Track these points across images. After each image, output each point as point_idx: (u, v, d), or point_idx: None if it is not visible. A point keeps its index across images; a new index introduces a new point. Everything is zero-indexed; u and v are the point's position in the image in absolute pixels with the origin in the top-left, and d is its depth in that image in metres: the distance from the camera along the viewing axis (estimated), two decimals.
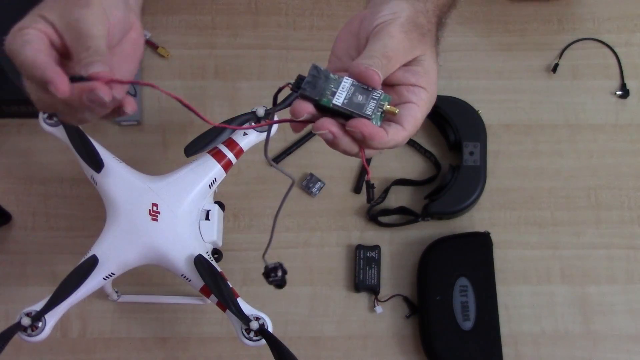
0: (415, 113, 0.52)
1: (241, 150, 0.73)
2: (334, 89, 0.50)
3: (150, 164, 0.87)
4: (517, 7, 0.94)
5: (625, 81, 0.91)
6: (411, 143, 0.88)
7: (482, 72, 0.91)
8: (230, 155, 0.72)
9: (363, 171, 0.86)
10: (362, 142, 0.50)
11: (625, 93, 0.90)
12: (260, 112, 0.71)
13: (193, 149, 0.70)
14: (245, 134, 0.73)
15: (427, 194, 0.85)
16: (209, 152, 0.72)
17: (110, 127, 0.88)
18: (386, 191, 0.85)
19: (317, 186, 0.86)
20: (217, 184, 0.72)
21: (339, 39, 0.57)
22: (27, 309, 0.64)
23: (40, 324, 0.63)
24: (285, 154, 0.87)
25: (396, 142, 0.51)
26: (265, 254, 0.62)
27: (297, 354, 0.63)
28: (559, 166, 0.88)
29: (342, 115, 0.50)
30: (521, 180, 0.87)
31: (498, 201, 0.86)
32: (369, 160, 0.58)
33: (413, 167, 0.88)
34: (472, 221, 0.85)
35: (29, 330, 0.63)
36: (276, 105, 0.55)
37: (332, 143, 0.50)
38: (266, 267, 0.62)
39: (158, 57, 0.91)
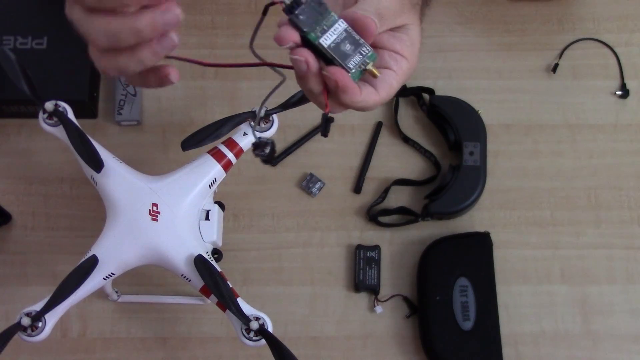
0: (391, 80, 0.51)
1: (241, 150, 0.73)
2: (325, 27, 0.47)
3: (150, 164, 0.87)
4: (517, 7, 0.94)
5: (625, 81, 0.91)
6: (411, 143, 0.88)
7: (482, 72, 0.91)
8: (230, 155, 0.72)
9: (363, 171, 0.86)
10: (334, 92, 0.48)
11: (625, 93, 0.90)
12: (261, 111, 0.71)
13: (190, 143, 0.70)
14: (245, 134, 0.73)
15: (427, 194, 0.85)
16: (208, 152, 0.72)
17: (110, 127, 0.88)
18: (386, 191, 0.85)
19: (317, 186, 0.86)
20: (217, 184, 0.72)
21: None
22: (27, 309, 0.64)
23: (40, 324, 0.63)
24: (285, 154, 0.87)
25: (366, 105, 0.50)
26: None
27: (297, 354, 0.63)
28: (559, 166, 0.88)
29: (323, 57, 0.48)
30: (521, 180, 0.87)
31: (498, 201, 0.86)
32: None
33: (413, 167, 0.88)
34: (472, 221, 0.85)
35: (29, 330, 0.63)
36: (273, 103, 0.54)
37: (302, 77, 0.49)
38: (257, 142, 0.56)
39: None
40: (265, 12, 0.49)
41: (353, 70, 0.48)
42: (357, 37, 0.48)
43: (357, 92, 0.49)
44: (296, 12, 0.47)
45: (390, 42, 0.52)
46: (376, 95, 0.51)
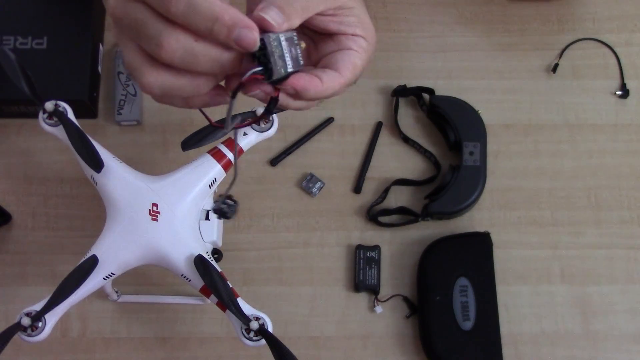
0: (353, 59, 0.51)
1: (241, 150, 0.73)
2: (279, 54, 0.45)
3: (150, 164, 0.87)
4: (517, 7, 0.94)
5: (625, 81, 0.91)
6: (411, 143, 0.88)
7: (482, 72, 0.91)
8: (230, 155, 0.72)
9: (363, 171, 0.86)
10: (297, 96, 0.48)
11: (625, 93, 0.90)
12: (260, 111, 0.71)
13: (190, 143, 0.70)
14: (245, 134, 0.73)
15: (427, 194, 0.85)
16: (209, 152, 0.72)
17: (110, 127, 0.88)
18: (386, 191, 0.85)
19: (317, 186, 0.86)
20: (217, 184, 0.72)
21: None
22: (27, 309, 0.64)
23: (40, 324, 0.63)
24: (285, 154, 0.87)
25: (333, 90, 0.50)
26: (229, 190, 0.56)
27: (297, 354, 0.63)
28: (559, 166, 0.88)
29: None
30: (521, 180, 0.87)
31: (498, 201, 0.86)
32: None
33: (413, 167, 0.88)
34: (472, 221, 0.85)
35: (29, 330, 0.63)
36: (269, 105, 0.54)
37: (264, 100, 0.48)
38: (217, 208, 0.57)
39: None
40: (234, 96, 0.47)
41: (302, 63, 0.46)
42: (288, 35, 0.46)
43: (318, 83, 0.48)
44: (274, 76, 0.45)
45: (341, 28, 0.52)
46: (339, 77, 0.50)
